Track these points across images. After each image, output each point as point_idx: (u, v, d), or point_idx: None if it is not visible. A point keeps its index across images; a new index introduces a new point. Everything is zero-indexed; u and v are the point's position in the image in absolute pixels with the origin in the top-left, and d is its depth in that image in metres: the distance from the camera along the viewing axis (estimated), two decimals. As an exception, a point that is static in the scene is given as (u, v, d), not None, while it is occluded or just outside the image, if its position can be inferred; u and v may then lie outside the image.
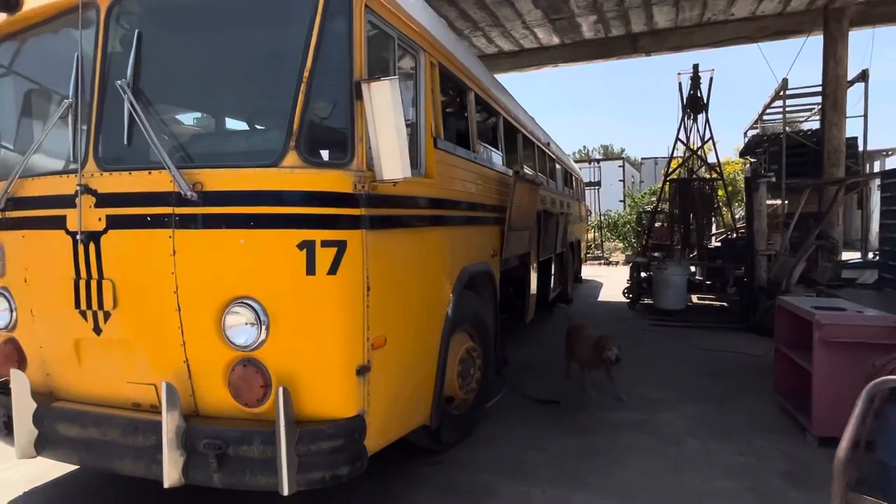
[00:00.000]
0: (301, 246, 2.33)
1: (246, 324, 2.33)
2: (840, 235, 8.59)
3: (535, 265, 6.10)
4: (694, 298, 10.14)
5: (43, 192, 2.65)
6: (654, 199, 14.31)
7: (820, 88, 9.53)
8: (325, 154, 2.48)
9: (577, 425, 4.18)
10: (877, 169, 14.97)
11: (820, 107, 9.80)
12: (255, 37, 2.61)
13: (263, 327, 2.34)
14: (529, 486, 3.24)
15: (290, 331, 2.37)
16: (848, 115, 9.28)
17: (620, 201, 26.83)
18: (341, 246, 2.38)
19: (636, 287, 9.71)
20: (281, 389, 2.24)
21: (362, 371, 2.48)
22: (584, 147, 60.30)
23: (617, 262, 18.86)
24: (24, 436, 2.60)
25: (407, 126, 3.06)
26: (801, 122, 13.30)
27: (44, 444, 2.62)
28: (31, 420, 2.60)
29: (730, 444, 3.80)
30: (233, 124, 2.90)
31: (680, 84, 10.78)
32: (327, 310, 2.40)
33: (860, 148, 10.13)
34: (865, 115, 9.93)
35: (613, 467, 3.47)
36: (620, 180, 28.44)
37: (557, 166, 8.88)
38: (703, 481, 3.29)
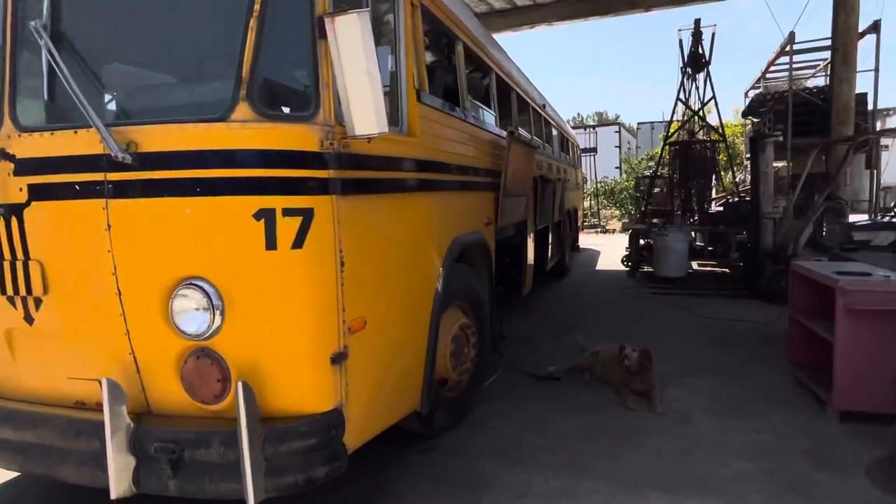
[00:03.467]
0: (258, 215, 1.97)
1: (196, 309, 1.99)
2: (849, 197, 8.26)
3: (532, 234, 5.75)
4: (694, 265, 9.88)
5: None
6: (652, 164, 13.92)
7: (829, 42, 9.06)
8: (285, 107, 2.09)
9: (579, 404, 3.90)
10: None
11: (826, 62, 9.35)
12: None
13: (217, 312, 2.00)
14: (530, 473, 2.97)
15: (250, 316, 2.03)
16: (858, 69, 8.82)
17: (616, 168, 26.36)
18: (307, 215, 2.02)
19: (636, 255, 9.42)
20: (240, 384, 1.92)
21: (338, 359, 2.15)
22: (579, 114, 59.07)
23: (614, 231, 18.62)
24: (-45, 439, 2.28)
25: (386, 77, 2.67)
26: (805, 79, 12.81)
27: (-23, 448, 2.30)
28: (-40, 421, 2.28)
29: (744, 421, 3.54)
30: (174, 72, 2.49)
31: (681, 41, 10.35)
32: (293, 290, 2.05)
33: (870, 105, 9.70)
34: (877, 70, 9.47)
35: (621, 450, 3.20)
36: (616, 146, 27.89)
37: (554, 131, 8.44)
38: (718, 463, 3.02)
